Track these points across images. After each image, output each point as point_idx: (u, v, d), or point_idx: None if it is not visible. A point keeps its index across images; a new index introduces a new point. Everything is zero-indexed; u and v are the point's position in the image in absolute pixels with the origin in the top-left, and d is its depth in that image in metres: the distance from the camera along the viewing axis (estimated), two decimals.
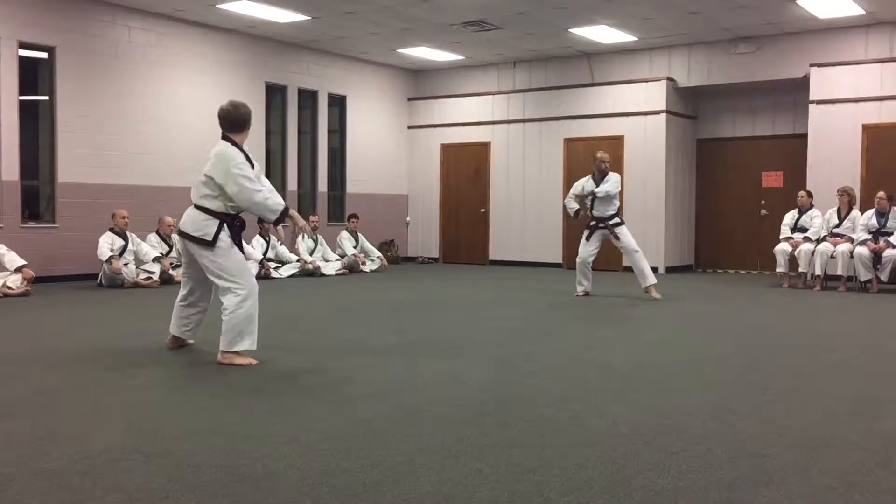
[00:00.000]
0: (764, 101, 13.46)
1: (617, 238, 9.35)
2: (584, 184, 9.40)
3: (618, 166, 13.51)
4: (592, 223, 9.44)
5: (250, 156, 5.26)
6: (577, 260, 9.50)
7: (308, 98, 13.94)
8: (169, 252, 10.82)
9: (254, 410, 3.97)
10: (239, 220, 5.29)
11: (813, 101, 12.04)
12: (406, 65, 15.25)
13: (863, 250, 10.22)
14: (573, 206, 9.50)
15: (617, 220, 9.42)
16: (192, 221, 5.16)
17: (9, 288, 8.92)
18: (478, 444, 3.38)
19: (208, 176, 5.15)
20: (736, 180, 13.83)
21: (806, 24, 11.89)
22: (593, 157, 9.63)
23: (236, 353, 5.07)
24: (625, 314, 8.08)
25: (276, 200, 5.19)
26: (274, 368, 5.05)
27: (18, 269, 9.11)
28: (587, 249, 9.42)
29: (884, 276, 10.24)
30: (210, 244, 5.10)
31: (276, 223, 5.36)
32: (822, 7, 10.94)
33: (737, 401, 4.25)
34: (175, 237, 10.82)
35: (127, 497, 2.75)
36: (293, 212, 5.33)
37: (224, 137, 5.25)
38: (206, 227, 5.12)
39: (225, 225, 5.15)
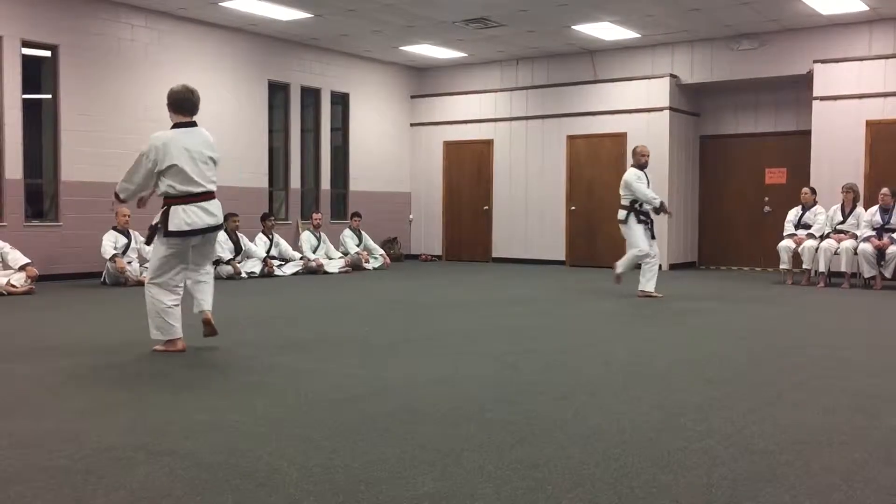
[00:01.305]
0: (767, 98, 13.44)
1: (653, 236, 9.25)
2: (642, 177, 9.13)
3: (620, 163, 13.51)
4: (643, 217, 9.18)
5: None
6: (637, 253, 9.08)
7: (311, 96, 13.94)
8: None
9: (256, 408, 3.98)
10: None
11: (816, 98, 12.02)
12: (409, 62, 15.25)
13: (866, 247, 10.20)
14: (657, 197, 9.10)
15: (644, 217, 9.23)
16: (219, 207, 5.45)
17: (13, 286, 8.94)
18: (480, 441, 3.38)
19: (214, 159, 5.41)
20: (739, 177, 13.81)
21: (809, 20, 11.87)
22: (634, 150, 9.41)
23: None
24: (627, 311, 8.07)
25: None
26: (276, 366, 5.06)
27: (22, 268, 9.14)
28: (647, 242, 9.13)
29: (888, 273, 10.21)
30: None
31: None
32: (825, 3, 10.92)
33: (739, 398, 4.25)
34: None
35: (130, 495, 2.75)
36: None
37: (191, 123, 5.47)
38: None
39: None
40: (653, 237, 9.23)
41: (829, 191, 11.31)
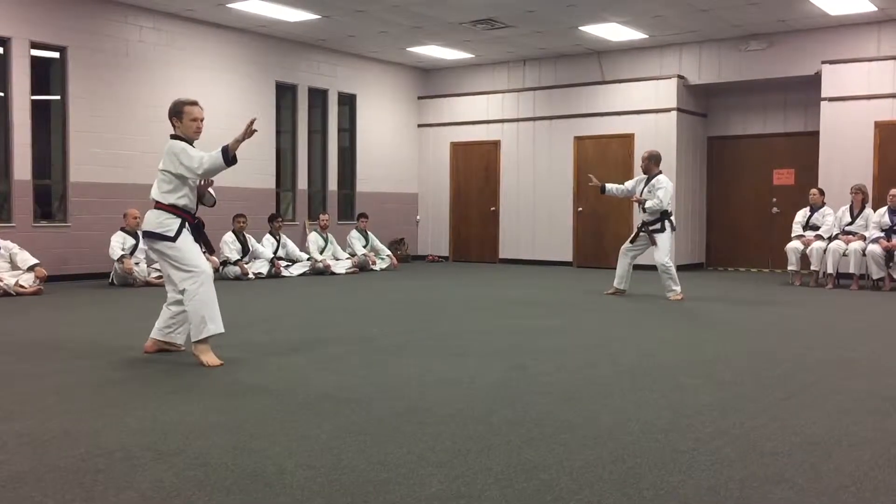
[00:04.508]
0: (775, 99, 13.40)
1: (654, 244, 9.09)
2: (636, 185, 9.33)
3: (628, 164, 13.50)
4: (640, 226, 9.31)
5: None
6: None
7: (318, 97, 13.96)
8: None
9: (264, 409, 3.98)
10: (198, 220, 5.34)
11: (825, 99, 11.98)
12: (416, 63, 15.26)
13: (875, 248, 10.16)
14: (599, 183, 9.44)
15: (658, 226, 9.05)
16: (154, 218, 5.19)
17: (21, 287, 8.97)
18: (487, 442, 3.38)
19: (163, 171, 5.22)
20: (747, 178, 13.77)
21: (817, 21, 11.83)
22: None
23: (205, 345, 5.08)
24: (635, 312, 8.06)
25: (213, 155, 5.08)
26: (283, 367, 5.07)
27: (31, 268, 9.17)
28: (627, 247, 9.36)
29: None
30: (172, 238, 5.15)
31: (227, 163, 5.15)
32: (834, 4, 10.88)
33: (747, 399, 4.23)
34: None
35: (139, 495, 2.76)
36: (231, 144, 5.09)
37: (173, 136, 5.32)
38: (168, 224, 5.16)
39: (187, 224, 5.20)
40: (654, 243, 9.09)
41: (837, 192, 11.28)
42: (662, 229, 9.04)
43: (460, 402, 4.10)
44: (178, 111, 5.25)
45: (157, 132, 11.41)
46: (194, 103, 5.29)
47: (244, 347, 5.66)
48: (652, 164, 9.17)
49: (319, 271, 12.13)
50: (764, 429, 3.64)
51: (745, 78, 12.93)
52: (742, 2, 10.83)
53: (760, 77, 12.79)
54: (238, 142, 5.06)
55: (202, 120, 5.27)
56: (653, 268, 9.28)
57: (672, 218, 9.15)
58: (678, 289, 9.00)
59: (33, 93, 10.28)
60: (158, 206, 5.22)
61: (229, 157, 5.04)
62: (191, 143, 5.25)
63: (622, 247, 9.47)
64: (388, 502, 2.70)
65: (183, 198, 5.22)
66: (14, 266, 9.19)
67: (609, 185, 9.55)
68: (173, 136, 5.27)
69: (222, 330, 5.15)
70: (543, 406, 4.03)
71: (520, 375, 4.83)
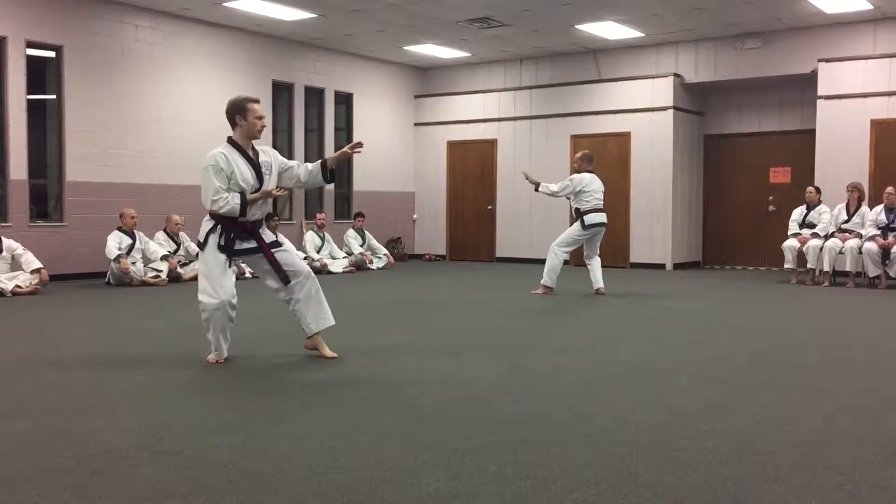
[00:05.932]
0: (771, 97, 13.42)
1: None
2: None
3: (624, 163, 13.54)
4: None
5: (254, 153, 5.04)
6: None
7: (315, 96, 13.95)
8: (177, 250, 10.87)
9: (261, 409, 3.98)
10: (246, 225, 5.04)
11: (821, 97, 12.00)
12: (413, 62, 15.25)
13: (871, 246, 10.18)
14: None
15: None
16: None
17: (19, 287, 8.95)
18: (484, 442, 3.38)
19: None
20: (743, 176, 13.79)
21: (813, 19, 11.84)
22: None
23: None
24: (631, 312, 8.07)
25: (230, 208, 4.93)
26: (280, 367, 5.07)
27: (35, 271, 9.13)
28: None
29: (892, 273, 10.18)
30: (200, 245, 5.10)
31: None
32: (830, 2, 10.89)
33: (743, 398, 4.24)
34: (184, 235, 10.87)
35: (135, 495, 2.76)
36: (250, 199, 5.00)
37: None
38: (203, 228, 5.10)
39: (219, 228, 5.00)
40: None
41: (833, 190, 11.29)
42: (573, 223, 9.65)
43: (457, 402, 4.11)
44: (242, 108, 4.96)
45: (153, 131, 11.43)
46: (257, 101, 5.06)
47: (240, 347, 5.65)
48: (584, 163, 9.53)
49: (316, 270, 12.08)
50: (760, 427, 3.64)
51: (742, 76, 12.94)
52: (738, 0, 10.84)
53: (757, 75, 12.80)
54: (255, 198, 4.98)
55: (265, 118, 5.07)
56: (648, 266, 9.29)
57: (586, 217, 9.41)
58: (544, 281, 9.32)
59: (29, 92, 10.25)
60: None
61: (246, 210, 4.96)
62: (251, 141, 5.04)
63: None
64: (385, 502, 2.70)
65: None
66: (15, 266, 9.16)
67: (542, 185, 9.57)
68: (230, 139, 5.02)
69: (219, 359, 5.10)
70: (539, 405, 4.04)
71: (516, 375, 4.83)
